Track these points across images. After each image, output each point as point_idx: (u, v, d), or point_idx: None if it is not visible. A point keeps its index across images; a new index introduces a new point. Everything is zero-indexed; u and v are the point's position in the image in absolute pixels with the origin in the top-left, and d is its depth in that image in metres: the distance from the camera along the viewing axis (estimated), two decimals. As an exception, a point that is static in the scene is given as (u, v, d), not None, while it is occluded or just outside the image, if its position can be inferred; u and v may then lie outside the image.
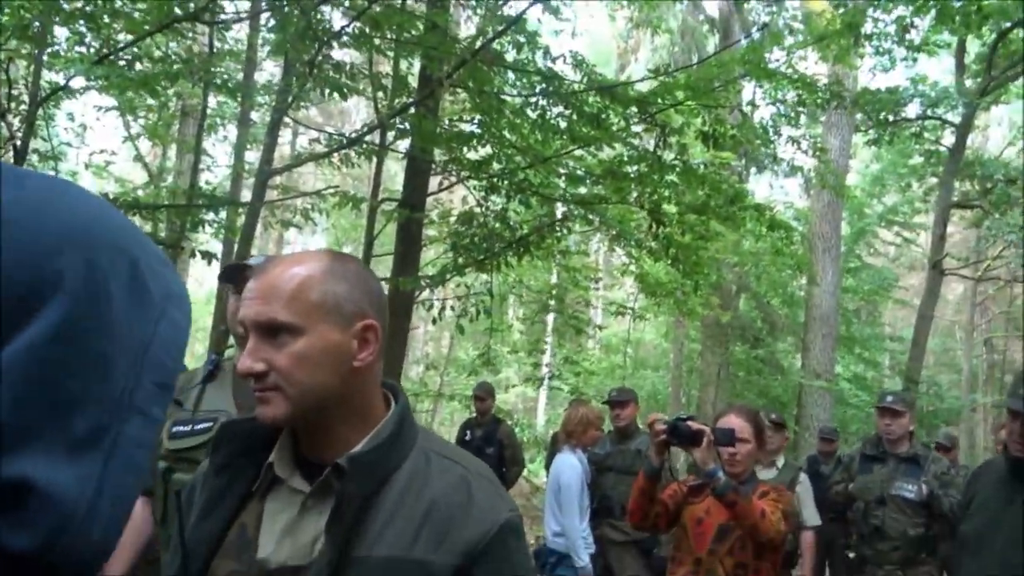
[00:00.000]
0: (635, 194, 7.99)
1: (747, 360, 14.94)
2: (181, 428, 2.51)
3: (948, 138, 15.01)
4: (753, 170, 14.78)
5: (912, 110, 14.24)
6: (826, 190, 11.90)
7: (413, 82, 8.27)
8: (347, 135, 7.79)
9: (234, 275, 2.59)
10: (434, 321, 7.94)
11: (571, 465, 5.08)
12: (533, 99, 7.51)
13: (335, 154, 7.76)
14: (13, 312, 0.65)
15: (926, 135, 15.18)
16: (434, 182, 8.70)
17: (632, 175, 8.06)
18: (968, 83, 13.80)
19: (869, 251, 20.76)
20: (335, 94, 6.53)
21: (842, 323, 16.29)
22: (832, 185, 10.75)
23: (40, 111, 6.84)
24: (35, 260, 0.66)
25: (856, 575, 5.01)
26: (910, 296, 23.49)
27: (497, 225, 7.39)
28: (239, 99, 8.63)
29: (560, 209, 8.45)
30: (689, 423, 3.11)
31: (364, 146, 7.70)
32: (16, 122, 6.52)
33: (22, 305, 0.65)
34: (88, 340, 0.68)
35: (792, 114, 9.07)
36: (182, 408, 2.58)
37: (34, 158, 7.19)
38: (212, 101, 9.34)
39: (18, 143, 6.17)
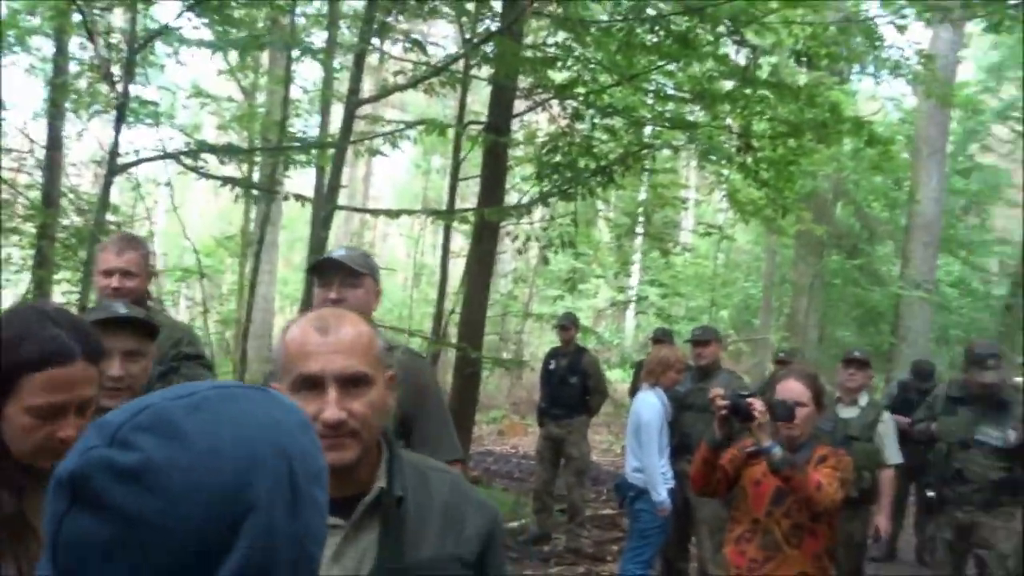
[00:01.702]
0: (727, 118, 7.75)
1: (843, 269, 14.55)
2: None
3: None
4: (856, 68, 14.01)
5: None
6: (933, 93, 11.22)
7: (496, 5, 8.15)
8: (432, 64, 7.79)
9: (320, 269, 2.82)
10: (519, 252, 8.05)
11: (651, 404, 5.22)
12: (619, 20, 7.32)
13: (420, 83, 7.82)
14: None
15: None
16: (520, 105, 8.66)
17: (723, 93, 7.82)
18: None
19: (981, 148, 19.56)
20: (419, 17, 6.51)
21: (947, 226, 15.58)
22: (938, 94, 10.15)
23: (138, 58, 7.08)
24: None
25: (936, 515, 5.05)
26: (1025, 195, 22.10)
27: (582, 155, 7.35)
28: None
29: (647, 131, 8.30)
30: (749, 401, 3.26)
31: (448, 75, 7.72)
32: (117, 71, 6.78)
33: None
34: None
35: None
36: None
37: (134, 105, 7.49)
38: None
39: (119, 94, 6.45)
